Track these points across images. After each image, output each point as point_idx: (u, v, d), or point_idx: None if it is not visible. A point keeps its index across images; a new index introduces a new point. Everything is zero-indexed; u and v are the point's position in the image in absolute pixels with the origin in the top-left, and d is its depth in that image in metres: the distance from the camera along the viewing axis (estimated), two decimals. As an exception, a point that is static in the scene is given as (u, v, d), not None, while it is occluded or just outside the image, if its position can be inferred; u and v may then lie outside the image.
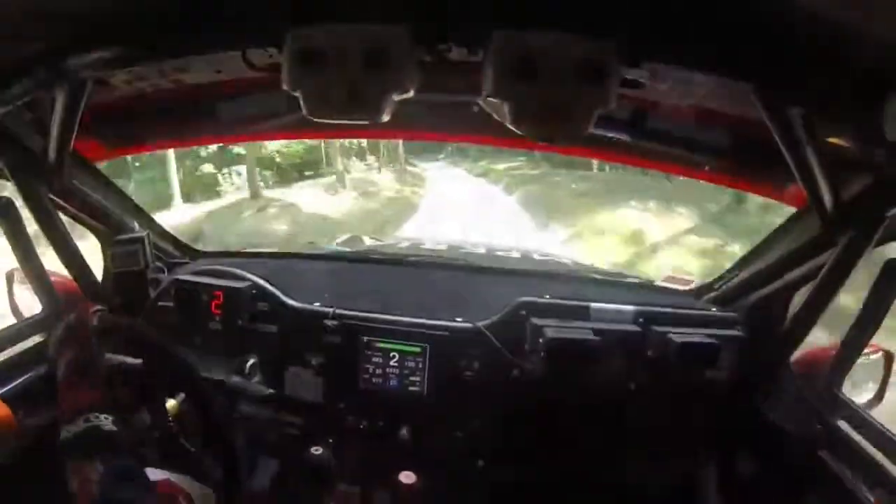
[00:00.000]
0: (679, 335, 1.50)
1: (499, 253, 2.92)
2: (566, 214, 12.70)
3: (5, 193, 1.38)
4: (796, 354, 1.46)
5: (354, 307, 1.69)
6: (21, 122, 1.26)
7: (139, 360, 1.18)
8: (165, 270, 1.79)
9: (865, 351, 1.39)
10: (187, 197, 13.67)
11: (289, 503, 1.76)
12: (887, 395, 1.52)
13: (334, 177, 16.72)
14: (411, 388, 1.65)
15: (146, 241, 1.68)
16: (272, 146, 15.06)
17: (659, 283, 1.95)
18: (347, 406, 1.70)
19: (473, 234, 9.14)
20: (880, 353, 1.54)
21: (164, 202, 12.55)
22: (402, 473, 1.55)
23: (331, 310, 1.67)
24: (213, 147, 12.63)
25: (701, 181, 1.60)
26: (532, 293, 1.64)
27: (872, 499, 1.15)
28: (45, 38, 0.95)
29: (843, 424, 1.31)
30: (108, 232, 1.68)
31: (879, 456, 1.20)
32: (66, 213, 1.51)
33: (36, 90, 1.06)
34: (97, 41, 0.96)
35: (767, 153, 1.14)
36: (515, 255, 2.86)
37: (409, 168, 23.14)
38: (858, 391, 1.49)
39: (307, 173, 17.10)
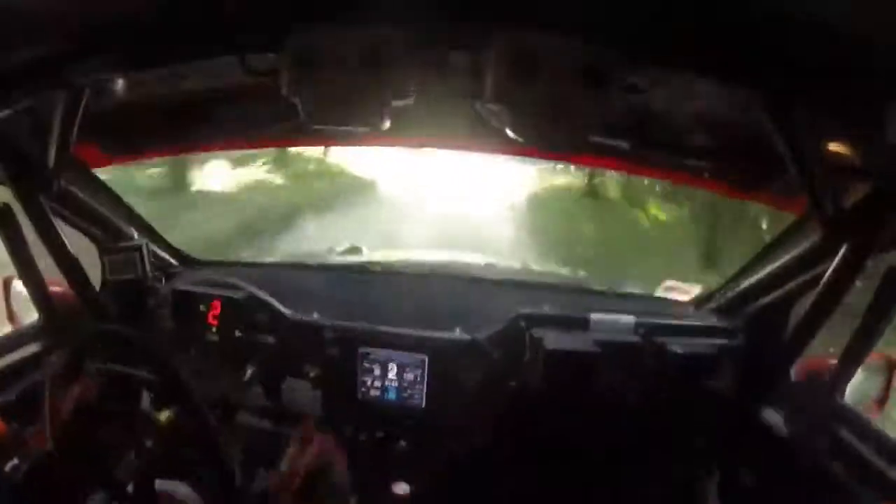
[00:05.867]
0: (679, 346, 1.49)
1: (497, 264, 2.91)
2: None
3: (3, 199, 1.38)
4: (797, 364, 1.44)
5: (353, 318, 1.67)
6: (19, 127, 1.24)
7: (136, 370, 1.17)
8: (163, 279, 1.78)
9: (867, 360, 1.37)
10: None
11: None
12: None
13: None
14: (410, 400, 1.63)
15: (144, 250, 1.67)
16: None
17: (659, 293, 1.94)
18: (345, 418, 1.68)
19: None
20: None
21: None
22: (395, 484, 1.53)
23: (329, 321, 1.66)
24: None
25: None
26: (531, 305, 1.63)
27: None
28: (44, 44, 0.94)
29: (845, 433, 1.30)
30: (106, 239, 1.67)
31: (883, 464, 1.19)
32: (65, 219, 1.50)
33: (34, 96, 1.06)
34: (95, 47, 0.95)
35: (766, 161, 1.13)
36: (514, 266, 2.85)
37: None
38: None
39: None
